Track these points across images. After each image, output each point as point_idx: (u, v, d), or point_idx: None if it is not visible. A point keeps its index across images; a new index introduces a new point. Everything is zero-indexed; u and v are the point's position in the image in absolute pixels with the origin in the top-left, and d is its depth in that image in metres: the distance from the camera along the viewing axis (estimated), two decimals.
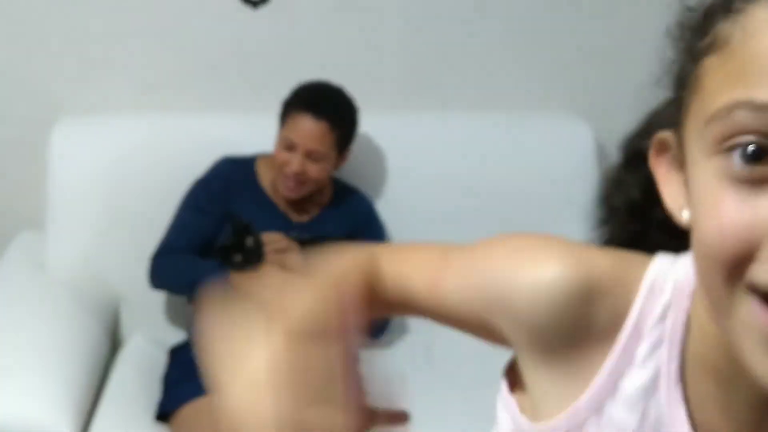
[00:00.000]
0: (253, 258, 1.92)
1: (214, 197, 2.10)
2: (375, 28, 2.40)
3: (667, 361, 0.62)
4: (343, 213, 2.20)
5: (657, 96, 2.40)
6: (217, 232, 2.08)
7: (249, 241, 1.90)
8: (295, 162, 2.01)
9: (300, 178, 2.04)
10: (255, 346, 0.60)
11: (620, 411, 0.63)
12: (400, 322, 2.34)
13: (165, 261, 2.07)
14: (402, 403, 2.12)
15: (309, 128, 2.00)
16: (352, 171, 2.33)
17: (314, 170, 2.04)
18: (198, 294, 2.10)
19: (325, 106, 2.03)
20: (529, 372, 0.67)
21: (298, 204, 2.15)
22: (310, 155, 2.02)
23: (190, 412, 1.85)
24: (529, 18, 2.46)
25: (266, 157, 2.18)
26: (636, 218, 0.75)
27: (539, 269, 0.63)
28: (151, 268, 2.08)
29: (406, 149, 2.38)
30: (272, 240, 1.98)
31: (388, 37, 2.42)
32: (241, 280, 1.94)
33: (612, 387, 0.63)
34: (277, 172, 2.08)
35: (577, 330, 0.63)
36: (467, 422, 1.92)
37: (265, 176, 2.16)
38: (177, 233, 2.09)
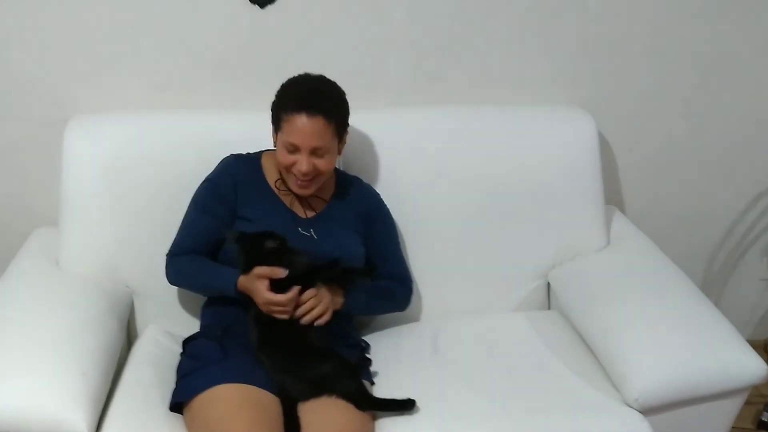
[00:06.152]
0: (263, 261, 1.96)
1: (222, 197, 2.10)
2: (380, 26, 2.41)
3: None
4: (350, 203, 2.21)
5: (656, 87, 2.45)
6: (229, 229, 2.09)
7: (253, 251, 1.96)
8: (302, 162, 2.01)
9: (311, 175, 2.05)
10: None
11: None
12: (408, 312, 2.37)
13: (179, 263, 2.09)
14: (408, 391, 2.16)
15: (308, 128, 1.98)
16: (359, 166, 2.35)
17: (323, 164, 2.04)
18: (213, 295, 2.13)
19: (315, 100, 2.00)
20: None
21: (304, 200, 2.15)
22: (315, 152, 2.02)
23: (203, 402, 1.85)
24: (533, 12, 2.47)
25: (271, 154, 2.19)
26: None
27: None
28: (166, 269, 2.10)
29: (411, 144, 2.38)
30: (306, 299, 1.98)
31: (394, 34, 2.43)
32: (250, 282, 1.96)
33: None
34: (285, 173, 2.09)
35: None
36: (472, 409, 1.96)
37: (270, 173, 2.16)
38: (188, 234, 2.11)
